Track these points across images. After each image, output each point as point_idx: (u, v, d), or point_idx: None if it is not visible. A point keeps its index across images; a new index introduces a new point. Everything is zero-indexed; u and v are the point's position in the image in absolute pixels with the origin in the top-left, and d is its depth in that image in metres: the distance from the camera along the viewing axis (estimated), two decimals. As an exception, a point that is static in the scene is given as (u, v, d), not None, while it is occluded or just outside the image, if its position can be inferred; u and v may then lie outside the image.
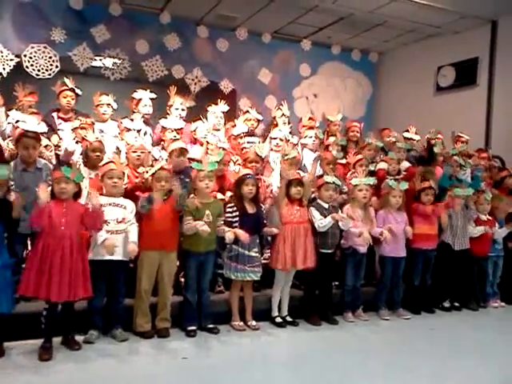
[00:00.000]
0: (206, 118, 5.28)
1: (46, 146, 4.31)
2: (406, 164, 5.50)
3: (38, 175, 3.86)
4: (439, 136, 6.19)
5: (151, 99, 5.33)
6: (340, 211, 4.57)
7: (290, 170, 4.51)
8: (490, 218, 5.40)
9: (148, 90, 5.37)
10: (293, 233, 4.29)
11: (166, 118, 5.05)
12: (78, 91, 5.19)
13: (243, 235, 4.03)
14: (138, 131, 4.77)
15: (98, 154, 4.17)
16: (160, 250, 3.89)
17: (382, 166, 5.36)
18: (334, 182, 4.50)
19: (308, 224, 4.39)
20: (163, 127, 4.93)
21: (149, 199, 3.81)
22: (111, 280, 3.76)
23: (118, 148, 4.60)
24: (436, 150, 5.72)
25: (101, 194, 3.81)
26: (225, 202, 4.30)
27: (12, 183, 3.62)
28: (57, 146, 4.68)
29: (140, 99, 5.28)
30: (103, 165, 3.89)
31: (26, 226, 3.68)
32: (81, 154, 4.30)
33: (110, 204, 3.75)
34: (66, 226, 3.38)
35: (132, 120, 5.00)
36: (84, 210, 3.53)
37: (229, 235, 4.01)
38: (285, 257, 4.25)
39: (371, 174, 5.03)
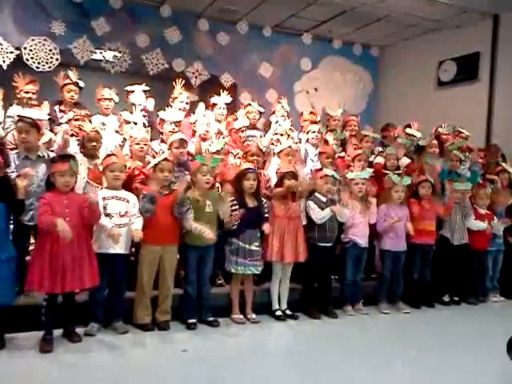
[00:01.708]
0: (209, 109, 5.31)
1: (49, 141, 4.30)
2: (406, 161, 5.46)
3: (39, 164, 3.83)
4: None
5: (144, 91, 5.34)
6: (338, 204, 4.58)
7: (286, 160, 4.57)
8: (488, 212, 5.40)
9: (143, 84, 5.39)
10: (282, 226, 4.32)
11: (165, 110, 5.05)
12: (81, 84, 5.17)
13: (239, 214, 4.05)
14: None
15: (94, 143, 4.15)
16: (161, 244, 3.90)
17: (379, 160, 5.35)
18: (332, 176, 4.51)
19: (299, 219, 4.41)
20: (162, 119, 4.93)
21: (151, 199, 3.78)
22: (113, 273, 3.76)
23: (122, 141, 4.60)
24: (422, 143, 5.72)
25: (100, 185, 3.83)
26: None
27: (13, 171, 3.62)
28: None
29: (132, 91, 5.29)
30: (105, 157, 3.88)
31: (29, 217, 3.68)
32: (78, 145, 4.29)
33: (112, 197, 3.75)
34: (70, 217, 3.38)
35: (131, 113, 5.01)
36: (84, 200, 3.53)
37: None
38: (272, 249, 4.28)
39: (370, 165, 5.05)
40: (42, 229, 3.37)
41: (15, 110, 4.43)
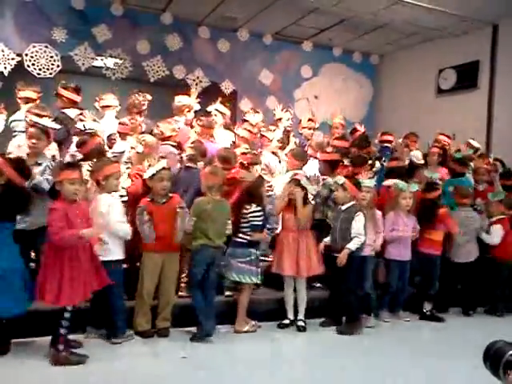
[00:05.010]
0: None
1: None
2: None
3: (35, 168, 3.77)
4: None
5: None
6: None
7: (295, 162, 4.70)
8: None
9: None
10: (294, 240, 4.25)
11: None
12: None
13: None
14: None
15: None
16: (162, 252, 3.88)
17: (389, 183, 5.06)
18: (335, 182, 4.45)
19: (308, 231, 4.33)
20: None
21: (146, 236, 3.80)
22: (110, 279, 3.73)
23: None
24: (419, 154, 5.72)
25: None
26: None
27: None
28: None
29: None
30: (108, 165, 3.80)
31: (31, 223, 3.69)
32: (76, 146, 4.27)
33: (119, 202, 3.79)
34: (82, 227, 3.31)
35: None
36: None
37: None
38: (283, 263, 4.22)
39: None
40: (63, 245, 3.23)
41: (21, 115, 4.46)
